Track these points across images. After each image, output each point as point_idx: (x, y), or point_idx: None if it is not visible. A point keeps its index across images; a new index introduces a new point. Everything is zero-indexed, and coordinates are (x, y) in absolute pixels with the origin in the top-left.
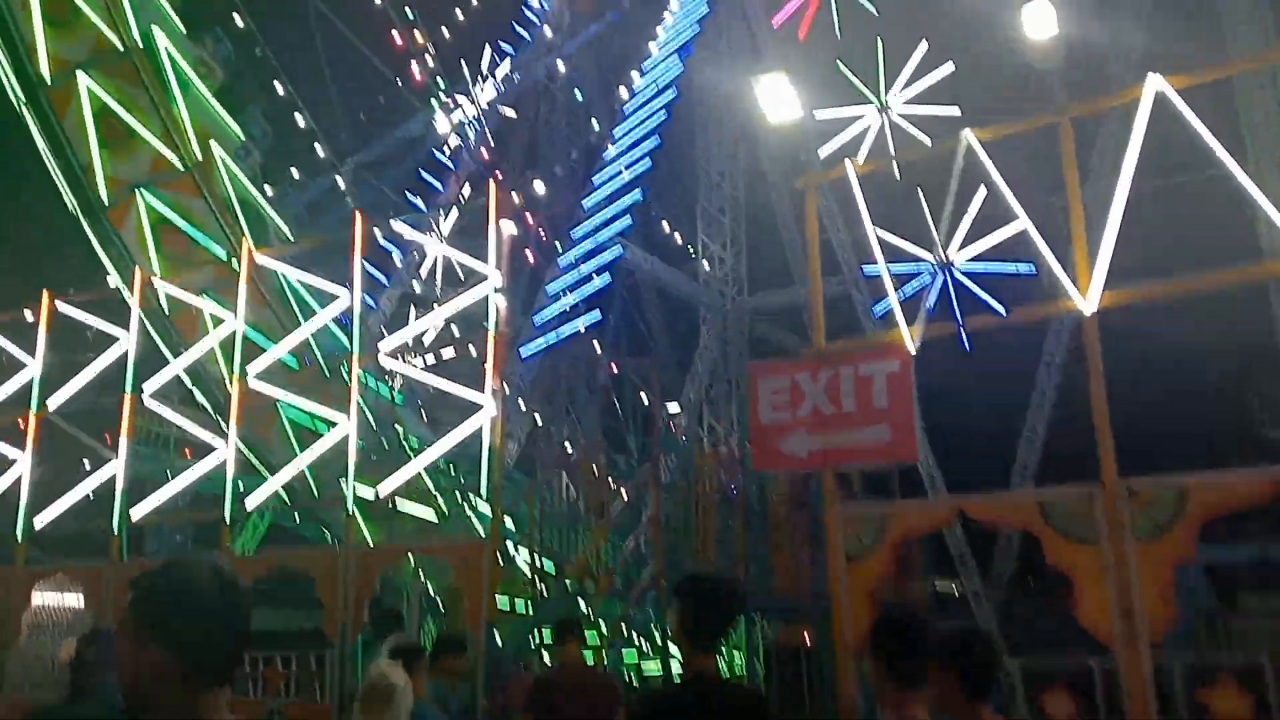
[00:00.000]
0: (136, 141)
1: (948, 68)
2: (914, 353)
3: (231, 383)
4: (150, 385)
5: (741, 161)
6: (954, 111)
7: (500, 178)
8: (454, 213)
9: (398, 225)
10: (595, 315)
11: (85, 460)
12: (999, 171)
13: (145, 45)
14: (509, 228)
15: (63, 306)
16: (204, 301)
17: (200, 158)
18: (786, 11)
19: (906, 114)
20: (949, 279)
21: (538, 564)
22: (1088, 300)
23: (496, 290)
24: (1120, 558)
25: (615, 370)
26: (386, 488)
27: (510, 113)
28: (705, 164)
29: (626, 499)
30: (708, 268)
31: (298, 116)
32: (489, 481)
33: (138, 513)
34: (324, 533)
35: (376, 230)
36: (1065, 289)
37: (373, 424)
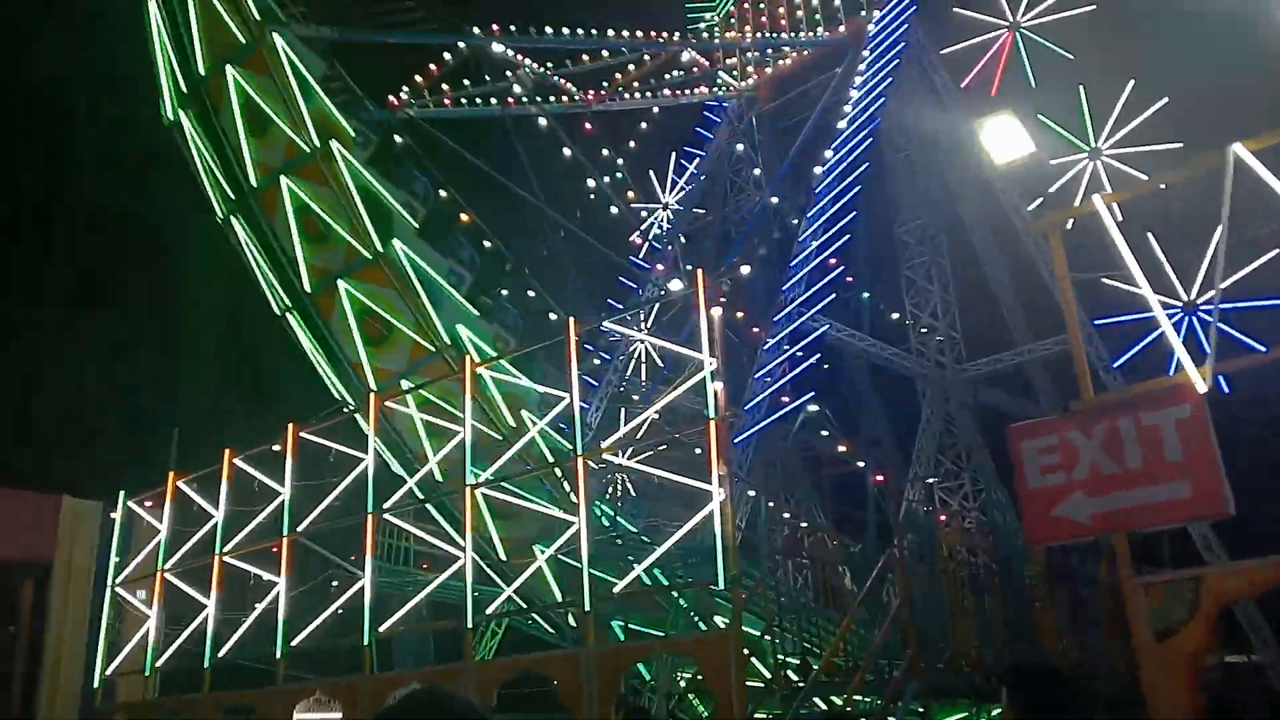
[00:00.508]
0: (397, 334)
1: (1161, 102)
2: (1204, 393)
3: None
4: (389, 503)
5: (943, 227)
6: (1175, 146)
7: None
8: (654, 310)
9: (607, 324)
10: (808, 395)
11: (332, 580)
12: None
13: (387, 254)
14: (718, 313)
15: (306, 435)
16: (424, 414)
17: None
18: (974, 72)
19: (1120, 154)
20: (1196, 320)
21: (782, 658)
22: None
23: (713, 375)
24: None
25: (844, 450)
26: (620, 584)
27: (700, 211)
28: (905, 233)
29: (867, 584)
30: (922, 338)
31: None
32: (725, 569)
33: (384, 626)
34: (552, 634)
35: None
36: None
37: (604, 521)
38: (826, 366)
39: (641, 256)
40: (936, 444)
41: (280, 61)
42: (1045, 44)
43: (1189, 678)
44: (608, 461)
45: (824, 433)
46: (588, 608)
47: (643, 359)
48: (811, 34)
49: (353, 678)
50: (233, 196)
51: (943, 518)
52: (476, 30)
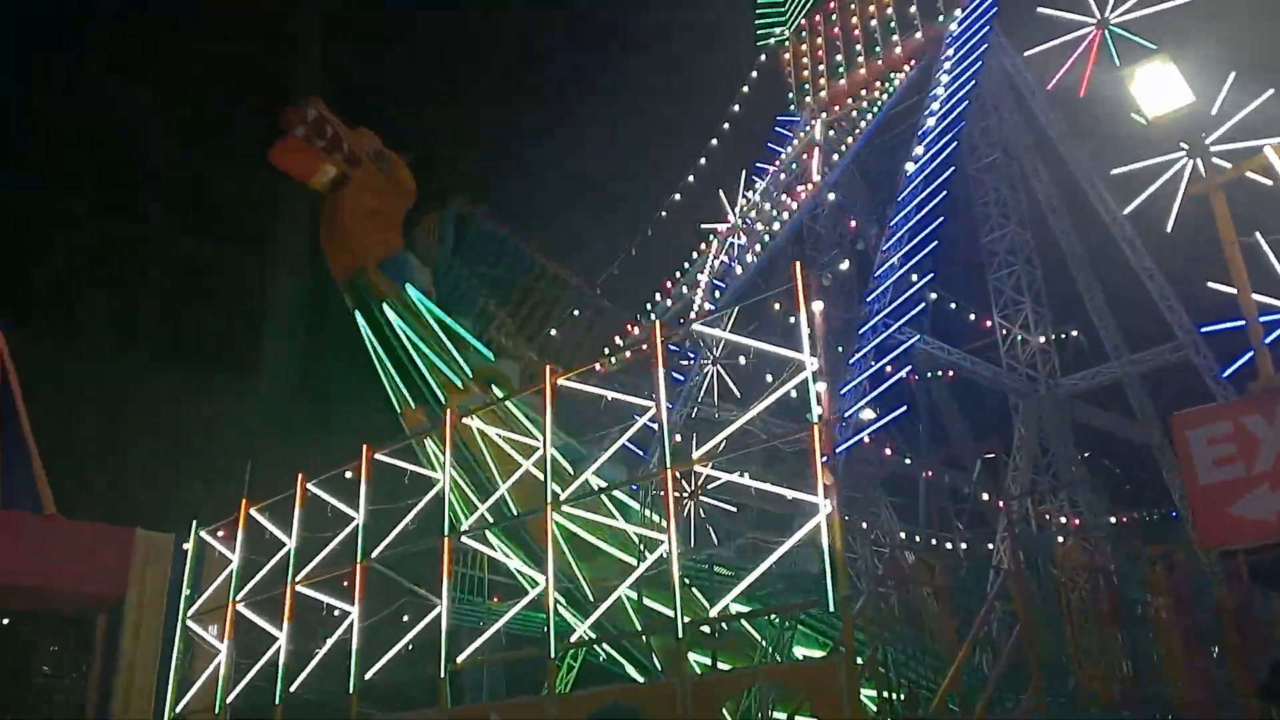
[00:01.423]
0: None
1: (1267, 94)
2: None
3: (546, 511)
4: (465, 525)
5: (1031, 236)
6: (1276, 141)
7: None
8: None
9: (696, 327)
10: (899, 409)
11: (403, 613)
12: None
13: None
14: (819, 308)
15: (381, 457)
16: (504, 432)
17: None
18: (1061, 72)
19: (1224, 149)
20: None
21: (888, 695)
22: None
23: (814, 376)
24: None
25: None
26: (717, 606)
27: (776, 226)
28: (991, 243)
29: (982, 611)
30: (1013, 351)
31: None
32: (835, 590)
33: (462, 657)
34: (628, 668)
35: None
36: None
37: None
38: (917, 378)
39: (714, 277)
40: (1031, 464)
41: None
42: (1136, 40)
43: None
44: (698, 474)
45: (906, 460)
46: (680, 634)
47: (715, 380)
48: (890, 74)
49: (428, 711)
50: None
51: (1061, 538)
52: (643, 321)
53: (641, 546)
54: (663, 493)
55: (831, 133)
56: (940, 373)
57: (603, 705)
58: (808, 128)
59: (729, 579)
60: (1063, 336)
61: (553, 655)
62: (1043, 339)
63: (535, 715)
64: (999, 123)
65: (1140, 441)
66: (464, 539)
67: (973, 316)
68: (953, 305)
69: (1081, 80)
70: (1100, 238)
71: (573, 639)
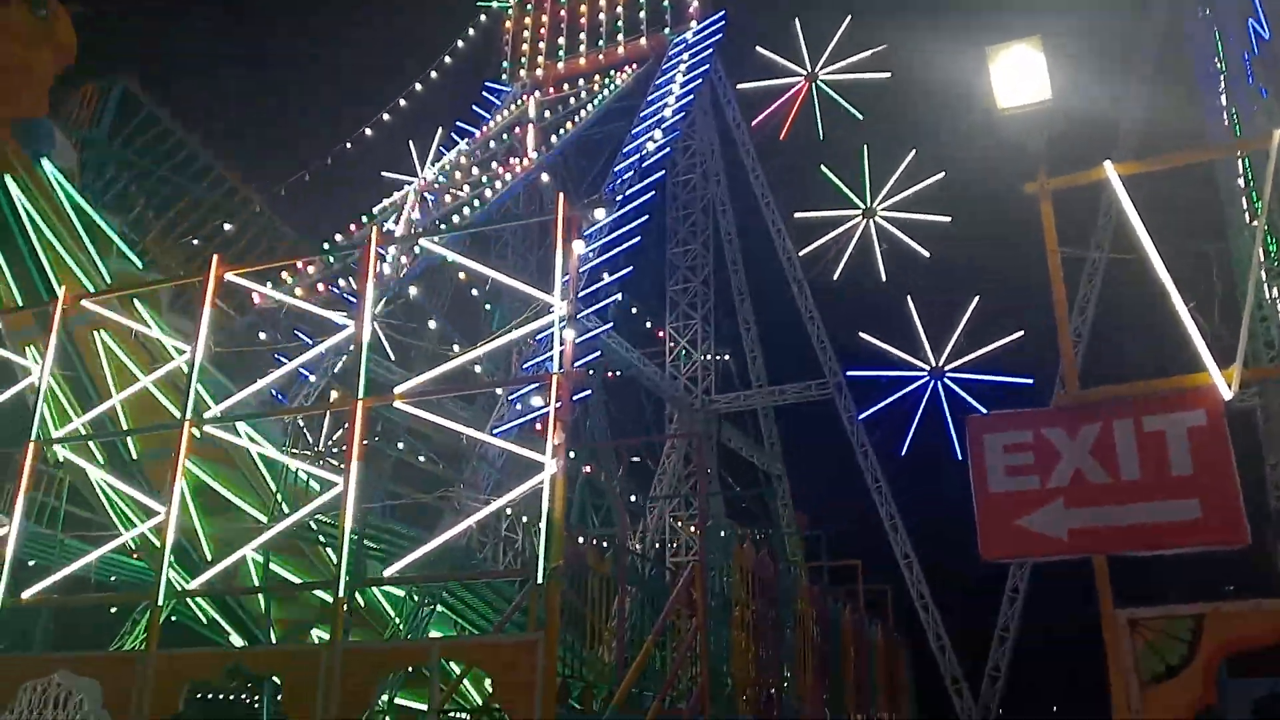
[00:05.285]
0: None
1: (938, 176)
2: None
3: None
4: (62, 433)
5: (711, 259)
6: (943, 220)
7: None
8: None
9: (424, 242)
10: (585, 392)
11: None
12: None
13: None
14: (580, 248)
15: None
16: (152, 330)
17: None
18: (766, 113)
19: (892, 217)
20: (941, 385)
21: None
22: None
23: (563, 322)
24: None
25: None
26: (392, 569)
27: (460, 193)
28: (675, 256)
29: (664, 611)
30: (678, 361)
31: None
32: (547, 560)
33: (31, 592)
34: (234, 637)
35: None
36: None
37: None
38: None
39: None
40: (674, 473)
41: None
42: (839, 100)
43: None
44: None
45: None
46: (342, 590)
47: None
48: (610, 70)
49: None
50: None
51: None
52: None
53: (280, 500)
54: (347, 427)
55: (547, 114)
56: (612, 373)
57: (217, 668)
58: (519, 101)
59: (399, 543)
60: (725, 357)
61: (160, 603)
62: (705, 356)
63: (121, 672)
64: (700, 145)
65: (764, 468)
66: (57, 448)
67: (649, 323)
68: (633, 309)
69: (784, 124)
70: (774, 273)
71: (191, 585)
